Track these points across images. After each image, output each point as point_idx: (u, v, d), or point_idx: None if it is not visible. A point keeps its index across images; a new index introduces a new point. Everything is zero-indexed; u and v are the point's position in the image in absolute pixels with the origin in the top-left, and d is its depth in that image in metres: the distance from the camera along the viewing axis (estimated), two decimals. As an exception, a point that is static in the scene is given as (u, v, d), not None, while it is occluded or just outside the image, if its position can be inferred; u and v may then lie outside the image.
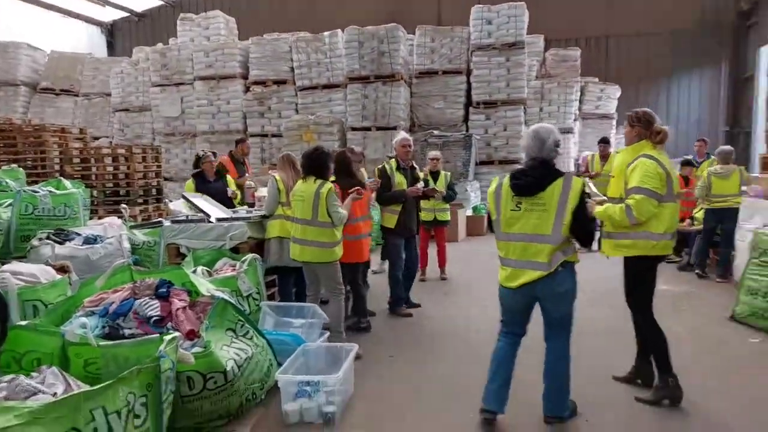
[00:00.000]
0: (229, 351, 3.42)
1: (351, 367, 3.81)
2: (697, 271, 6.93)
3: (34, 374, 2.77)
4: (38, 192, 5.62)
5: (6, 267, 4.16)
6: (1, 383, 2.59)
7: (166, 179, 13.58)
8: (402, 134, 5.92)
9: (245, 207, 6.12)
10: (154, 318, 3.48)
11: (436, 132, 11.52)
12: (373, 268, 6.47)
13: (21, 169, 6.72)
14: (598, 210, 3.56)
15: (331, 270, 4.52)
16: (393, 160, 5.71)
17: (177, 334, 2.98)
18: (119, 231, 6.72)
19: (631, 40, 17.42)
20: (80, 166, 9.50)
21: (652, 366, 3.60)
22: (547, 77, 13.85)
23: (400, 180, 5.51)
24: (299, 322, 4.38)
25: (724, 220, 6.60)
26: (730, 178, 6.64)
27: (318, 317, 4.36)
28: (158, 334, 2.98)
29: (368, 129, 11.80)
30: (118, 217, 7.89)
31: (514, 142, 12.04)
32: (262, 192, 6.00)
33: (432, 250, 7.13)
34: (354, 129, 11.97)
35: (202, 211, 5.37)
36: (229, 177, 6.33)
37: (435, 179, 6.60)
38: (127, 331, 3.45)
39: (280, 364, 3.72)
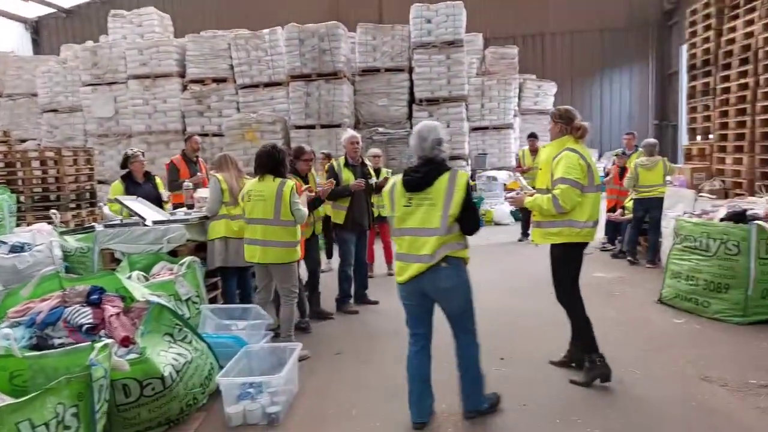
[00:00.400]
0: (166, 356, 3.36)
1: (295, 367, 3.80)
2: (628, 258, 7.29)
3: (-46, 390, 2.64)
4: (-44, 199, 5.29)
5: None
6: None
7: (100, 182, 13.05)
8: (350, 132, 5.95)
9: (183, 209, 5.94)
10: (87, 326, 3.37)
11: (380, 129, 11.58)
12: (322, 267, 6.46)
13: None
14: (528, 201, 3.75)
15: (291, 271, 4.48)
16: (342, 157, 5.75)
17: (110, 341, 2.89)
18: (49, 238, 6.43)
19: (564, 38, 18.10)
20: (5, 170, 9.03)
21: (585, 349, 3.78)
22: (487, 74, 14.19)
23: (347, 177, 5.53)
24: (242, 324, 4.33)
25: (650, 208, 6.97)
26: (655, 169, 7.02)
27: (261, 318, 4.32)
28: (89, 343, 2.88)
29: (312, 127, 11.72)
30: (48, 223, 7.54)
31: (458, 139, 12.25)
32: (201, 193, 5.86)
33: (378, 246, 7.19)
34: (298, 127, 11.86)
35: (137, 214, 5.20)
36: (158, 179, 6.10)
37: (377, 176, 6.65)
38: (57, 341, 3.33)
39: (222, 367, 3.67)
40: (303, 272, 6.37)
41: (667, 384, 3.68)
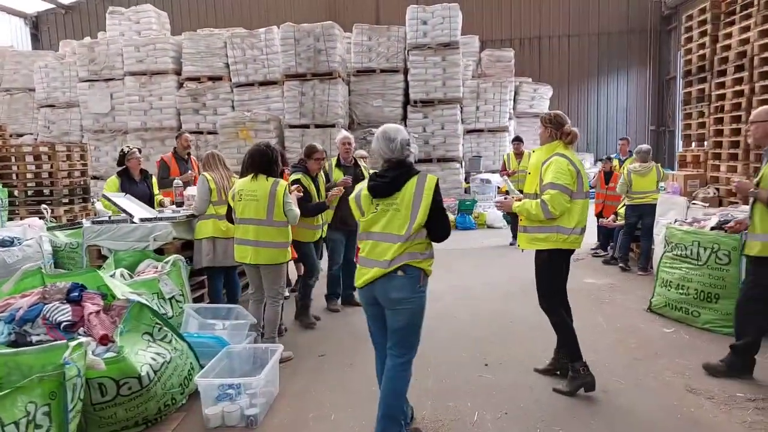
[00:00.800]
0: (145, 356, 3.32)
1: (275, 368, 3.76)
2: (620, 264, 7.26)
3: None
4: (-56, 193, 5.25)
5: None
6: None
7: (95, 178, 13.00)
8: (343, 132, 5.92)
9: (172, 206, 5.89)
10: (65, 323, 3.33)
11: (374, 130, 11.52)
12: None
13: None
14: (516, 205, 3.70)
15: (281, 272, 4.43)
16: (334, 158, 5.75)
17: (83, 339, 2.85)
18: (40, 233, 6.39)
19: (561, 42, 18.08)
20: None
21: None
22: (482, 77, 14.17)
23: (337, 176, 5.53)
24: (224, 324, 4.29)
25: (643, 215, 6.94)
26: (649, 175, 6.99)
27: (244, 318, 4.28)
28: (65, 341, 2.83)
29: (306, 126, 11.69)
30: (40, 218, 7.51)
31: (452, 141, 12.24)
32: (191, 191, 5.81)
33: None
34: (292, 126, 11.83)
35: (124, 211, 5.16)
36: (154, 180, 6.06)
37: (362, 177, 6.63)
38: (35, 338, 3.29)
39: (203, 367, 3.63)
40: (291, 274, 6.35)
41: (653, 395, 3.64)
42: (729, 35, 7.98)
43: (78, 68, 13.89)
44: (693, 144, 9.47)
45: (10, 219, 8.08)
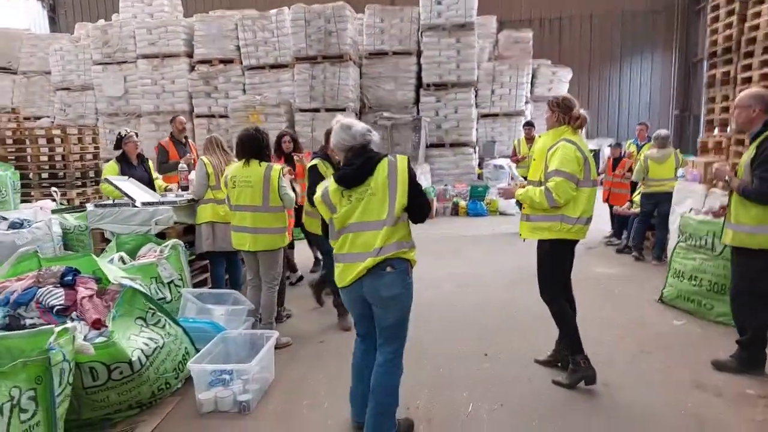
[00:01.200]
0: (137, 341, 3.29)
1: (270, 355, 3.72)
2: (634, 254, 7.06)
3: None
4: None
5: None
6: None
7: (108, 161, 13.08)
8: (337, 117, 5.72)
9: (177, 191, 5.86)
10: (57, 307, 3.31)
11: (385, 114, 11.40)
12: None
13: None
14: (519, 192, 3.57)
15: (278, 257, 4.38)
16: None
17: (70, 325, 2.82)
18: (49, 215, 6.44)
19: (583, 22, 17.58)
20: (14, 147, 9.09)
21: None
22: (499, 59, 13.86)
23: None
24: (223, 309, 4.25)
25: (659, 203, 6.73)
26: (666, 162, 6.77)
27: (241, 304, 4.24)
28: (52, 326, 2.81)
29: (317, 110, 11.58)
30: (53, 201, 7.58)
31: (465, 125, 12.04)
32: (194, 175, 5.77)
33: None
34: (302, 110, 11.73)
35: (126, 194, 5.14)
36: (150, 164, 6.03)
37: None
38: (29, 321, 3.28)
39: (199, 352, 3.60)
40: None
41: (658, 390, 3.51)
42: (758, 14, 7.60)
43: (92, 51, 13.95)
44: (716, 129, 9.12)
45: (25, 201, 8.19)
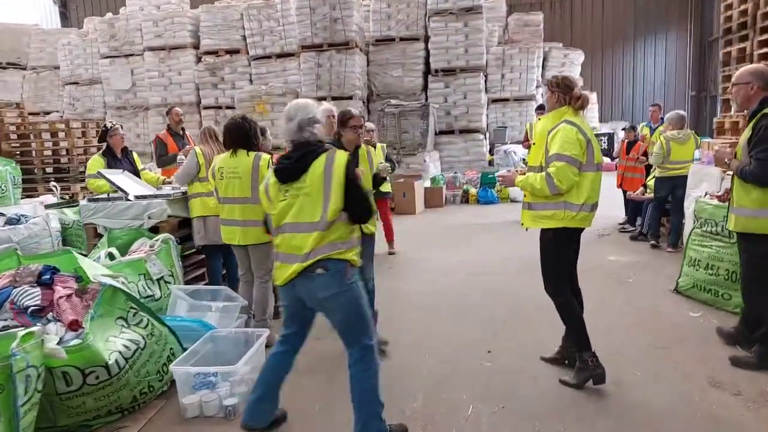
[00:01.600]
0: (116, 342, 3.13)
1: (260, 355, 3.54)
2: (652, 242, 6.73)
3: None
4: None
5: None
6: None
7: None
8: (325, 105, 5.47)
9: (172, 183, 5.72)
10: (33, 308, 3.16)
11: (393, 101, 11.15)
12: None
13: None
14: (519, 180, 3.35)
15: (270, 250, 4.20)
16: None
17: (37, 327, 2.67)
18: (47, 210, 6.34)
19: (595, 3, 17.08)
20: (19, 142, 9.05)
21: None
22: (509, 43, 13.50)
23: None
24: (214, 306, 4.09)
25: (677, 187, 6.39)
26: (688, 143, 6.44)
27: (231, 300, 4.07)
28: (15, 330, 2.66)
29: (323, 99, 11.36)
30: (54, 196, 7.50)
31: (475, 111, 11.75)
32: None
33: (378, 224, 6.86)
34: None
35: (119, 188, 5.00)
36: (136, 155, 5.87)
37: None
38: (1, 323, 3.14)
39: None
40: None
41: (671, 388, 3.26)
42: (776, -12, 7.23)
43: (99, 45, 13.89)
44: (732, 109, 8.74)
45: (30, 196, 8.15)
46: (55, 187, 7.55)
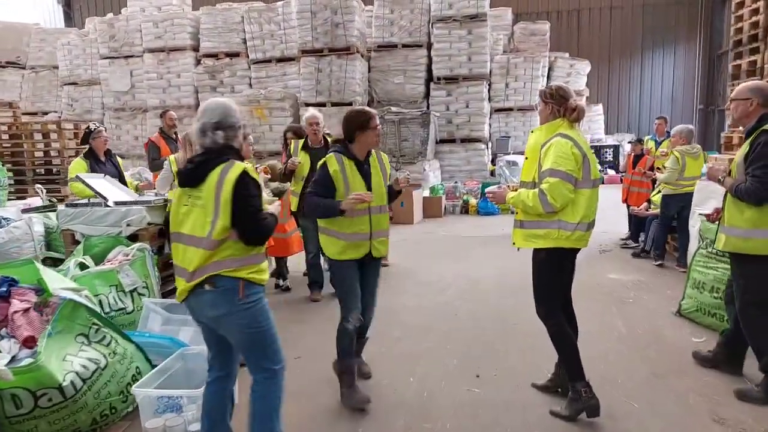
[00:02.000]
0: (73, 362, 2.92)
1: (231, 376, 3.32)
2: (657, 262, 6.42)
3: None
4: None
5: None
6: None
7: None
8: (310, 111, 5.30)
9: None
10: (-15, 323, 2.96)
11: (393, 108, 10.96)
12: None
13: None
14: (510, 196, 3.13)
15: None
16: (302, 140, 5.26)
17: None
18: (29, 214, 6.15)
19: (603, 14, 16.89)
20: (10, 143, 8.89)
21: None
22: (514, 52, 13.31)
23: (303, 160, 5.06)
24: (191, 321, 3.86)
25: (686, 205, 6.05)
26: (699, 158, 6.17)
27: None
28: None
29: (323, 105, 11.19)
30: (41, 198, 7.32)
31: (477, 120, 11.55)
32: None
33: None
34: (308, 104, 11.35)
35: (98, 193, 4.80)
36: (119, 159, 5.69)
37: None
38: (-46, 339, 2.94)
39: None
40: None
41: (671, 423, 3.03)
42: (788, 0, 7.00)
43: (99, 45, 13.78)
44: (725, 124, 8.49)
45: (21, 198, 7.97)
46: (41, 189, 7.36)
